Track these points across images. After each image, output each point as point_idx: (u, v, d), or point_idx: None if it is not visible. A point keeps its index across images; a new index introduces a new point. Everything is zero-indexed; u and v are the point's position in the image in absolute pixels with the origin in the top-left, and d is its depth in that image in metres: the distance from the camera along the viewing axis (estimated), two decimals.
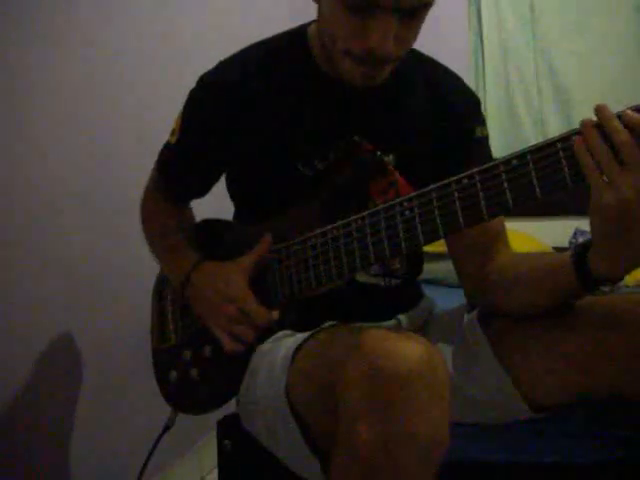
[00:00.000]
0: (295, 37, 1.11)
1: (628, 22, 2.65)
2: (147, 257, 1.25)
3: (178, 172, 1.19)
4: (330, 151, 1.07)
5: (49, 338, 1.43)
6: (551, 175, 0.80)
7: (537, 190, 0.81)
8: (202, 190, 1.23)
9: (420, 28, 0.95)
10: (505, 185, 0.83)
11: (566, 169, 0.79)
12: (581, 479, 1.10)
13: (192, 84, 1.13)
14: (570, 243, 2.42)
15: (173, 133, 1.16)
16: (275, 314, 1.05)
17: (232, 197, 1.21)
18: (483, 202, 0.85)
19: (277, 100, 1.08)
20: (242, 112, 1.08)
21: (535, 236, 2.41)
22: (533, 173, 0.81)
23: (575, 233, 2.44)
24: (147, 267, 1.28)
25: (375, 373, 0.75)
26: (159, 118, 1.44)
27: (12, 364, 1.34)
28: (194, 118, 1.13)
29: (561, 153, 0.79)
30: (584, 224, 2.35)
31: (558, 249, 2.22)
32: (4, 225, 1.32)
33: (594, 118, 0.78)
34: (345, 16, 0.91)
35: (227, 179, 1.20)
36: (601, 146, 0.77)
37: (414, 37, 0.96)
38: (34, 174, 1.39)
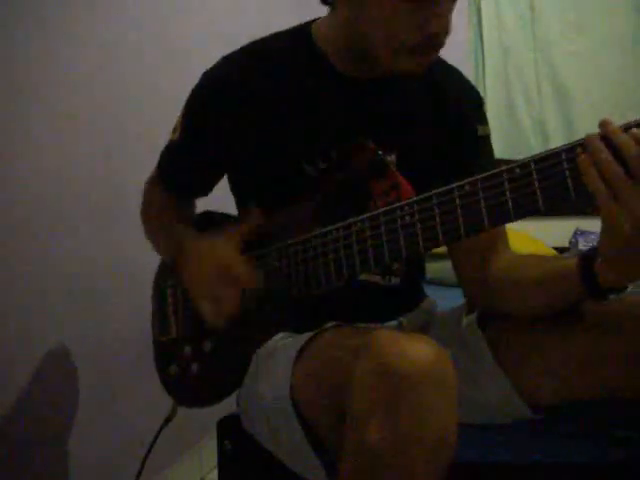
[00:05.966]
0: (299, 35, 1.10)
1: (628, 22, 2.66)
2: (146, 257, 1.25)
3: (180, 170, 1.18)
4: (332, 150, 1.07)
5: (48, 335, 1.43)
6: (554, 186, 0.79)
7: (540, 202, 0.80)
8: (204, 189, 1.22)
9: None
10: (508, 194, 0.82)
11: (569, 181, 0.78)
12: (581, 479, 1.10)
13: (192, 83, 1.13)
14: (570, 243, 2.42)
15: (175, 130, 1.15)
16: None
17: (234, 196, 1.21)
18: (485, 211, 0.84)
19: (282, 97, 1.08)
20: (246, 109, 1.07)
21: (535, 236, 2.41)
22: (536, 183, 0.80)
23: (575, 233, 2.43)
24: (146, 266, 1.28)
25: (385, 374, 0.75)
26: (159, 117, 1.44)
27: (11, 362, 1.34)
28: (197, 114, 1.12)
29: (565, 164, 0.78)
30: (584, 224, 2.35)
31: (558, 249, 2.22)
32: (3, 225, 1.32)
33: (597, 127, 0.77)
34: (403, 11, 0.93)
35: (229, 178, 1.19)
36: (609, 160, 0.75)
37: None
38: (33, 174, 1.39)
